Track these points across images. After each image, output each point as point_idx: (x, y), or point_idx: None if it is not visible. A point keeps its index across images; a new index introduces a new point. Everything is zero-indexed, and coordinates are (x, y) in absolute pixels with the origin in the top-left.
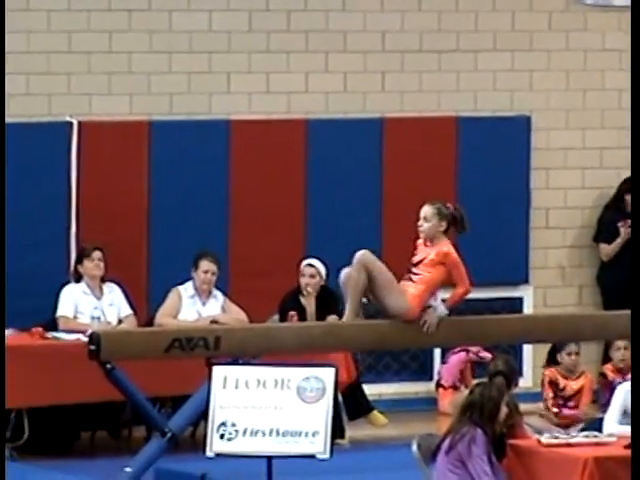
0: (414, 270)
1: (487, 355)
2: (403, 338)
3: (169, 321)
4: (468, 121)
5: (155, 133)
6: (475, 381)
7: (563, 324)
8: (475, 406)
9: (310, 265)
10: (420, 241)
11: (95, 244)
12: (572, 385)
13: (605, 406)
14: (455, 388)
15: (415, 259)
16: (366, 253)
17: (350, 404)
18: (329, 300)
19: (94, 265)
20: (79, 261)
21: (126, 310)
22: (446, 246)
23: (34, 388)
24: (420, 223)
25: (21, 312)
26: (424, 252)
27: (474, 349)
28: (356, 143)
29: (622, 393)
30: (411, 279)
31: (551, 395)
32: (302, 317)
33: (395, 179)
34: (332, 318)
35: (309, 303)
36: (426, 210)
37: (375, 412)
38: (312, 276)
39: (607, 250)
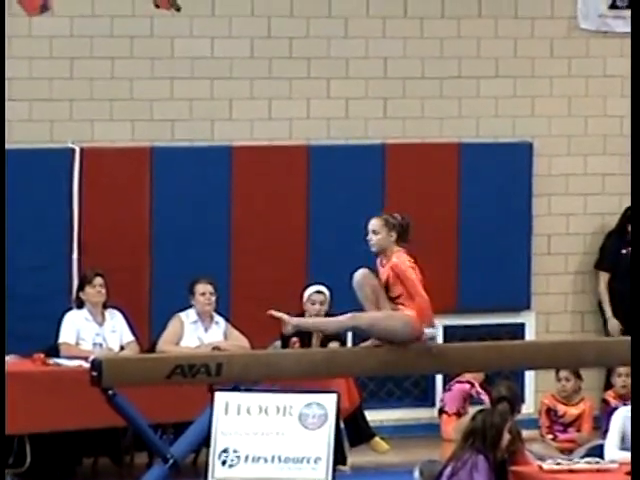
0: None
1: (486, 399)
2: (405, 364)
3: (171, 348)
4: (470, 147)
5: (157, 159)
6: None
7: (565, 350)
8: (477, 433)
9: (318, 292)
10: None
11: (96, 270)
12: (571, 411)
13: (607, 432)
14: (459, 415)
15: (383, 282)
16: (365, 273)
17: (352, 430)
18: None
19: (95, 291)
20: (81, 287)
21: (128, 336)
22: (395, 256)
23: (36, 414)
24: (370, 237)
25: (23, 337)
26: (383, 275)
27: (477, 385)
28: (358, 169)
29: (620, 419)
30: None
31: (547, 423)
32: (308, 344)
33: (397, 205)
34: (334, 345)
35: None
36: (373, 223)
37: (377, 438)
38: (321, 303)
39: (606, 278)
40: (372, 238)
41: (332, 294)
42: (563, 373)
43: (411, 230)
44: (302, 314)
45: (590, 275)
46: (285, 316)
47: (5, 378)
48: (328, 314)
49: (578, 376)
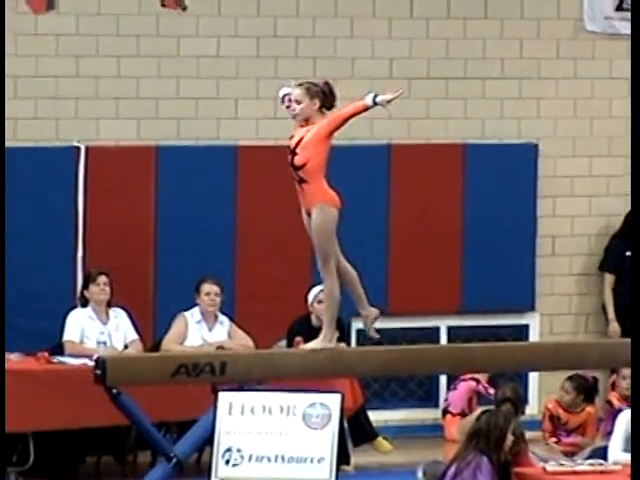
0: (300, 174)
1: (494, 394)
2: (408, 364)
3: (175, 347)
4: (475, 148)
5: (162, 158)
6: (481, 408)
7: (569, 352)
8: (481, 433)
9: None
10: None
11: (101, 269)
12: (575, 418)
13: (611, 434)
14: (463, 415)
15: (292, 144)
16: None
17: (355, 430)
18: (339, 328)
19: (100, 290)
20: (85, 286)
21: (132, 335)
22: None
23: (40, 412)
24: (293, 107)
25: (27, 335)
26: (299, 133)
27: (483, 381)
28: (363, 169)
29: (624, 421)
30: (302, 182)
31: (550, 428)
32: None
33: (402, 206)
34: (339, 345)
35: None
36: (296, 92)
37: (380, 438)
38: None
39: (611, 280)
40: (295, 108)
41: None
42: (566, 384)
43: (335, 95)
44: (308, 315)
45: (594, 277)
46: None
47: (5, 376)
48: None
49: (581, 392)
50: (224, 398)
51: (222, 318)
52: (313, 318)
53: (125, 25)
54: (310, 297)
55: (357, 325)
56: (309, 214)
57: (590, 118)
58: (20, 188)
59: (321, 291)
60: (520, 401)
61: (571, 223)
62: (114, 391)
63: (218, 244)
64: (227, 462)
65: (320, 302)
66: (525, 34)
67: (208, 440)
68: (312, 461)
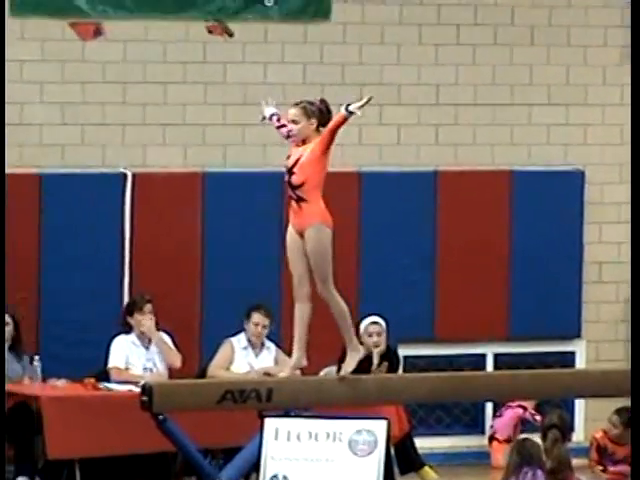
0: (298, 193)
1: (540, 421)
2: (455, 391)
3: (222, 373)
4: (522, 175)
5: (209, 184)
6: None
7: (615, 379)
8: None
9: (374, 323)
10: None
11: (147, 297)
12: (622, 450)
13: None
14: (509, 442)
15: (289, 164)
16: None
17: (402, 458)
18: (392, 360)
19: (146, 318)
20: (130, 312)
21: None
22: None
23: (86, 439)
24: (290, 127)
25: (74, 361)
26: (296, 153)
27: (530, 408)
28: (409, 196)
29: None
30: (300, 201)
31: (596, 458)
32: (368, 365)
33: (449, 233)
34: (384, 365)
35: (376, 360)
36: (293, 112)
37: (427, 467)
38: (378, 334)
39: None
40: (292, 128)
41: (387, 322)
42: (613, 418)
43: (331, 113)
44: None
45: None
46: None
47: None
48: (387, 347)
49: (629, 426)
50: (270, 424)
51: (269, 344)
52: (365, 348)
53: (172, 52)
54: (361, 329)
55: (404, 352)
56: (300, 234)
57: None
58: (67, 214)
59: (371, 323)
60: (566, 428)
61: (618, 249)
62: (160, 417)
63: (264, 269)
64: None
65: (370, 335)
66: (572, 60)
67: (254, 466)
68: None
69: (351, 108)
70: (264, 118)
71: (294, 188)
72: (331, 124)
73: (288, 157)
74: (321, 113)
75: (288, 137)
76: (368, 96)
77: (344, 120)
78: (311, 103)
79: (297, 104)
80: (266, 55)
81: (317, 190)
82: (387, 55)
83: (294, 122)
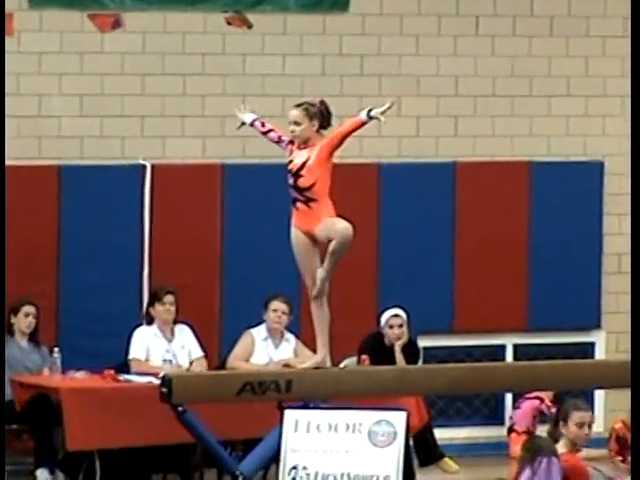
0: (307, 194)
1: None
2: (475, 383)
3: (241, 364)
4: (541, 166)
5: (228, 176)
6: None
7: None
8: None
9: (395, 315)
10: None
11: (167, 287)
12: None
13: None
14: (528, 433)
15: (295, 167)
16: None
17: (421, 450)
18: (413, 352)
19: (165, 309)
20: (151, 304)
21: (197, 352)
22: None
23: (106, 430)
24: (292, 129)
25: (93, 353)
26: (301, 156)
27: (547, 400)
28: (428, 187)
29: None
30: (309, 202)
31: (616, 448)
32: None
33: (468, 224)
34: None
35: (398, 352)
36: (294, 114)
37: (446, 459)
38: (400, 326)
39: None
40: (295, 129)
41: (407, 314)
42: None
43: (331, 114)
44: (379, 333)
45: None
46: None
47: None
48: (409, 336)
49: None
50: (290, 416)
51: (288, 336)
52: (386, 339)
53: (191, 43)
54: (382, 321)
55: (423, 343)
56: (308, 233)
57: None
58: (86, 206)
59: (392, 315)
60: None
61: None
62: (180, 409)
63: (284, 261)
64: (293, 479)
65: (391, 327)
66: (591, 52)
67: (274, 458)
68: (378, 479)
69: (373, 113)
70: (243, 124)
71: (302, 190)
72: (346, 128)
73: (290, 161)
74: (322, 115)
75: (278, 142)
76: (391, 101)
77: (361, 125)
78: (312, 104)
79: (298, 105)
80: (285, 46)
81: (326, 189)
82: (406, 46)
83: (296, 124)
